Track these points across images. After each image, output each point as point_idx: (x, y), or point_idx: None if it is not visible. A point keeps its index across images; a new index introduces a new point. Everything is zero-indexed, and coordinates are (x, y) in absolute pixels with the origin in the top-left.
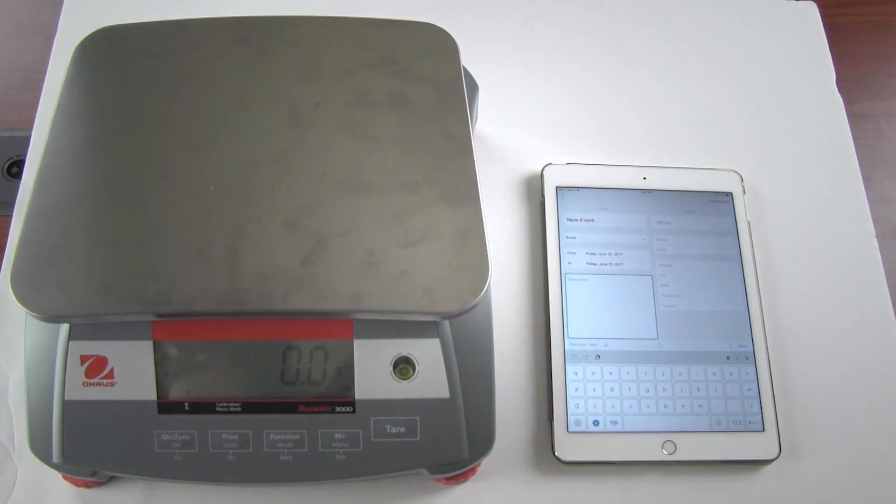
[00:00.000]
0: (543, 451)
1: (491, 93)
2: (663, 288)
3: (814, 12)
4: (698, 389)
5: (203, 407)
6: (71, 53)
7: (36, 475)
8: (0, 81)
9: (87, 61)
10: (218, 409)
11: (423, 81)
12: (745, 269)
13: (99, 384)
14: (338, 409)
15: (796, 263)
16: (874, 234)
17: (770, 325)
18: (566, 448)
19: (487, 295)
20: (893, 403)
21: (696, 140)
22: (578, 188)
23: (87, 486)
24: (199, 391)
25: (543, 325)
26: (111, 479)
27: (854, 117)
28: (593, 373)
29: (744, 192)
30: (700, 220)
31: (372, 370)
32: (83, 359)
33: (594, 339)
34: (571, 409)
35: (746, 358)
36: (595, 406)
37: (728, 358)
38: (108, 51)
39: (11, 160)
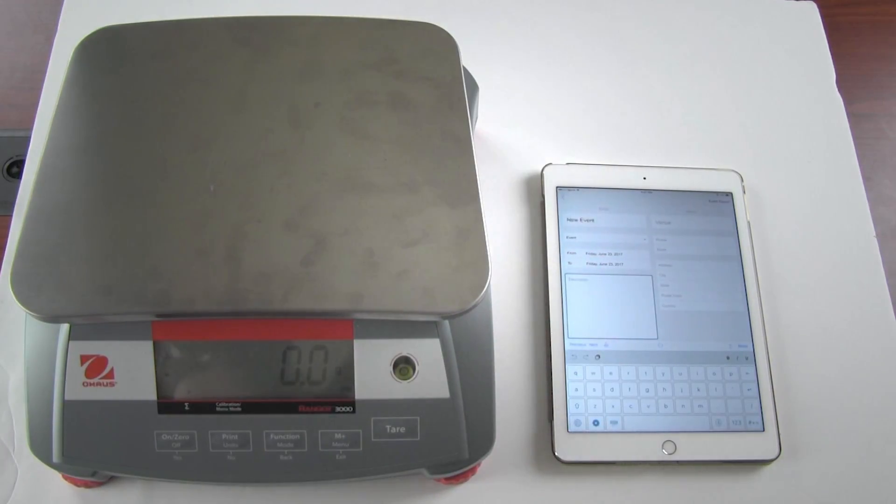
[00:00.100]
0: (543, 451)
1: (491, 93)
2: (663, 288)
3: (814, 12)
4: (698, 389)
5: (203, 407)
6: (71, 53)
7: (36, 475)
8: (0, 81)
9: (87, 61)
10: (218, 409)
11: (423, 81)
12: (745, 269)
13: (99, 384)
14: (338, 409)
15: (796, 263)
16: (874, 234)
17: (770, 324)
18: (566, 448)
19: (487, 295)
20: (893, 403)
21: (696, 140)
22: (578, 188)
23: (87, 486)
24: (199, 391)
25: (543, 325)
26: (111, 479)
27: (854, 117)
28: (593, 373)
29: (744, 192)
30: (700, 220)
31: (372, 370)
32: (83, 359)
33: (594, 339)
34: (571, 409)
35: (746, 358)
36: (595, 406)
37: (728, 358)
38: (108, 51)
39: (11, 160)
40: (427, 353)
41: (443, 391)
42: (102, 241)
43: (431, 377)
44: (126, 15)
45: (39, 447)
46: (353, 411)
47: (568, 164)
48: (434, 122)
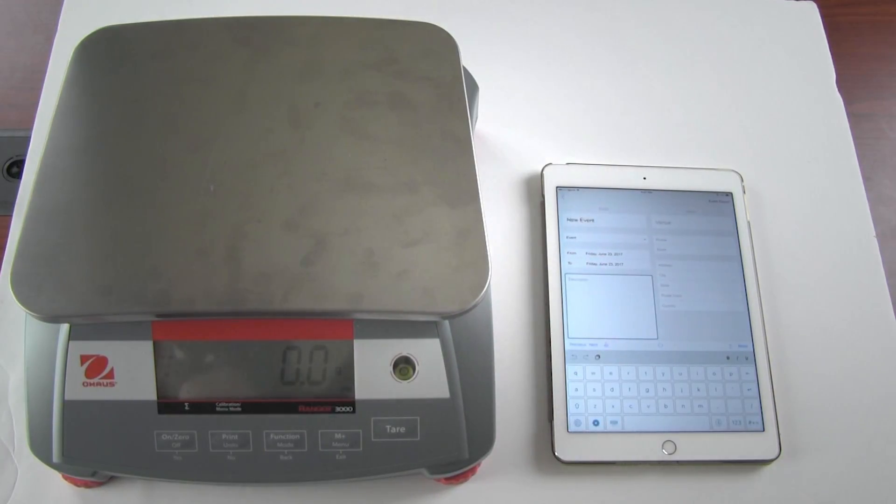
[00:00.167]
0: (543, 451)
1: (491, 93)
2: (663, 288)
3: (814, 12)
4: (698, 389)
5: (203, 407)
6: (71, 53)
7: (36, 475)
8: (0, 81)
9: (87, 61)
10: (218, 409)
11: (423, 81)
12: (745, 269)
13: (99, 384)
14: (338, 409)
15: (796, 263)
16: (874, 234)
17: (770, 324)
18: (566, 448)
19: (487, 295)
20: (893, 403)
21: (696, 140)
22: (578, 188)
23: (87, 486)
24: (199, 391)
25: (543, 325)
26: (111, 479)
27: (854, 117)
28: (593, 373)
29: (744, 192)
30: (700, 220)
31: (372, 370)
32: (83, 359)
33: (594, 339)
34: (571, 409)
35: (746, 358)
36: (595, 406)
37: (728, 358)
38: (108, 51)
39: (11, 160)
40: (427, 353)
41: (443, 391)
42: (102, 241)
43: (431, 377)
44: (126, 15)
45: (39, 447)
46: (353, 411)
47: (568, 164)
48: (434, 122)
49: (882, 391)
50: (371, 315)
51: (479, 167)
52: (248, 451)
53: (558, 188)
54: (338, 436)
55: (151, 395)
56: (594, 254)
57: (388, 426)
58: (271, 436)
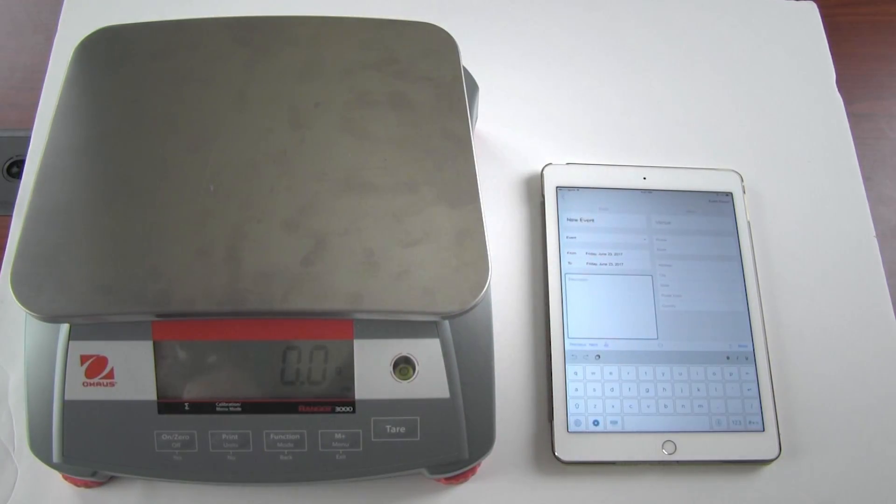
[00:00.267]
0: (543, 451)
1: (491, 93)
2: (663, 288)
3: (814, 12)
4: (698, 389)
5: (203, 407)
6: (71, 53)
7: (36, 475)
8: (0, 81)
9: (87, 61)
10: (218, 409)
11: (423, 81)
12: (745, 269)
13: (99, 384)
14: (338, 409)
15: (796, 263)
16: (874, 234)
17: (770, 324)
18: (566, 448)
19: (487, 295)
20: (893, 403)
21: (696, 140)
22: (578, 188)
23: (87, 486)
24: (199, 391)
25: (543, 325)
26: (111, 479)
27: (854, 117)
28: (593, 373)
29: (744, 192)
30: (700, 220)
31: (372, 370)
32: (83, 359)
33: (594, 339)
34: (571, 409)
35: (746, 358)
36: (595, 406)
37: (728, 358)
38: (108, 51)
39: (11, 160)
40: (427, 353)
41: (443, 391)
42: (102, 241)
43: (431, 377)
44: (126, 15)
45: (39, 447)
46: (353, 411)
47: (568, 164)
48: (434, 122)
49: (882, 391)
50: (371, 315)
51: (479, 167)
52: (248, 451)
53: (558, 188)
54: (338, 436)
55: (151, 395)
56: (594, 254)
57: (388, 426)
58: (271, 436)
